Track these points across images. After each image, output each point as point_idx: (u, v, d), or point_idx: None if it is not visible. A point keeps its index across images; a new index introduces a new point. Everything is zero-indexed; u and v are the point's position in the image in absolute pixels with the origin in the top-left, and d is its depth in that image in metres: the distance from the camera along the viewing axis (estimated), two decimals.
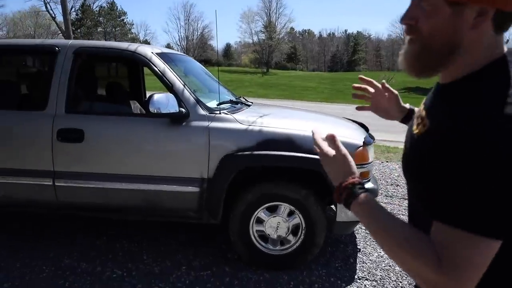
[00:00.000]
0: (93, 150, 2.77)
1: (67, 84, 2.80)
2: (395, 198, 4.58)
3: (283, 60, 63.06)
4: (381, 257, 3.10)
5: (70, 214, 3.02)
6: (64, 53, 2.84)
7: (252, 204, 2.72)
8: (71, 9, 45.43)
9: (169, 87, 2.75)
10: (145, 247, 3.20)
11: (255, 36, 55.23)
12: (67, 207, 2.91)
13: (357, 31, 73.63)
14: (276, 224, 2.75)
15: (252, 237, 2.80)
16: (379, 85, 1.19)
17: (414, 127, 0.79)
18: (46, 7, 44.26)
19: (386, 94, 1.19)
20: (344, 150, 0.87)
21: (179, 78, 2.83)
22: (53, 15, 43.84)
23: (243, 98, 3.65)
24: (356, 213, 0.81)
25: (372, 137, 2.99)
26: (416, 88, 35.48)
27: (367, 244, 3.30)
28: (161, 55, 2.96)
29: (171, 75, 2.81)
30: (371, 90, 1.20)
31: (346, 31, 76.99)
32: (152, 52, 2.90)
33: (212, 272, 2.83)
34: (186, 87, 2.79)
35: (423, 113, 0.78)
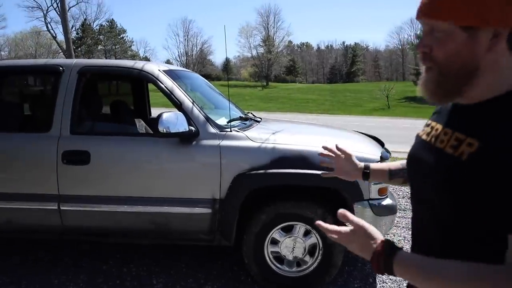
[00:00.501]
0: (100, 172, 2.66)
1: (71, 104, 2.71)
2: (408, 212, 4.45)
3: (282, 73, 63.42)
4: None
5: (76, 239, 2.90)
6: (68, 73, 2.76)
7: (267, 225, 2.61)
8: (72, 28, 45.99)
9: (178, 105, 2.67)
10: (154, 271, 3.07)
11: (254, 50, 55.69)
12: (73, 232, 2.79)
13: (355, 43, 74.12)
14: (292, 244, 2.63)
15: (267, 258, 2.68)
16: (338, 152, 1.25)
17: (449, 149, 0.78)
18: (47, 27, 44.79)
19: (343, 155, 1.25)
20: (359, 221, 0.83)
21: (187, 96, 2.74)
22: (54, 35, 44.39)
23: (252, 114, 3.56)
24: (402, 275, 0.77)
25: (388, 152, 2.89)
26: (415, 97, 35.58)
27: None
28: (168, 72, 2.88)
29: (179, 92, 2.72)
30: (334, 154, 1.27)
31: (344, 42, 77.59)
32: (159, 70, 2.82)
33: None
34: (195, 104, 2.71)
35: (454, 134, 0.79)
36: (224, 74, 65.39)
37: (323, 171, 1.32)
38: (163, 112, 2.51)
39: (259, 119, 3.38)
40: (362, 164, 1.25)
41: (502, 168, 0.67)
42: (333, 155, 1.27)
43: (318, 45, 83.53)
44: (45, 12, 43.92)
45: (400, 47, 64.80)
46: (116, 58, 50.13)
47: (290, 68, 65.28)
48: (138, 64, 2.83)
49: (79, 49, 45.80)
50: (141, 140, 2.73)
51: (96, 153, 2.64)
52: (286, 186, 2.62)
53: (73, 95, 2.72)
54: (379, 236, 0.82)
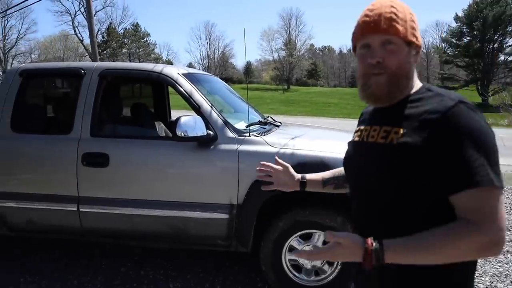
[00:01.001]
0: (118, 175, 2.67)
1: (92, 107, 2.74)
2: None
3: (303, 77, 63.03)
4: None
5: (94, 240, 2.92)
6: (89, 75, 2.79)
7: (285, 232, 2.55)
8: (98, 31, 47.23)
9: (196, 108, 2.65)
10: (171, 275, 3.05)
11: (275, 53, 55.59)
12: (92, 234, 2.81)
13: None
14: None
15: (285, 266, 2.62)
16: (277, 167, 1.34)
17: (381, 139, 0.98)
18: (75, 31, 46.16)
19: (281, 168, 1.34)
20: (343, 234, 0.91)
21: (206, 99, 2.72)
22: (81, 38, 45.70)
23: (271, 118, 3.51)
24: (391, 260, 0.87)
25: None
26: None
27: None
28: (187, 76, 2.87)
29: (198, 96, 2.71)
30: (272, 169, 1.35)
31: None
32: (178, 73, 2.81)
33: None
34: (213, 108, 2.68)
35: (381, 129, 0.99)
36: (245, 77, 65.59)
37: (263, 185, 1.39)
38: (181, 116, 2.49)
39: (278, 124, 3.33)
40: (299, 176, 1.35)
41: (423, 142, 0.89)
42: (271, 170, 1.34)
43: (340, 48, 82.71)
44: (73, 16, 45.33)
45: (425, 50, 63.41)
46: (139, 61, 51.11)
47: (311, 71, 64.85)
48: (158, 67, 2.83)
49: (104, 52, 46.92)
50: (159, 143, 2.72)
51: (114, 155, 2.64)
52: (304, 193, 2.55)
53: (93, 97, 2.74)
54: (359, 238, 0.90)
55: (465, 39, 37.92)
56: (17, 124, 2.86)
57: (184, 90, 2.70)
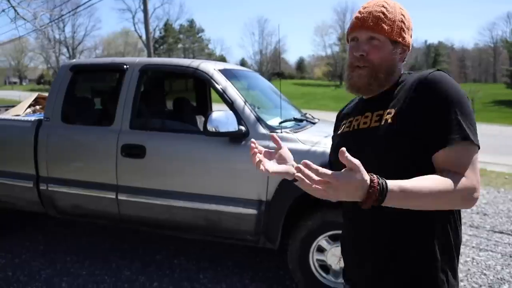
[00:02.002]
0: (153, 166, 2.78)
1: (132, 100, 2.86)
2: (482, 230, 3.99)
3: None
4: None
5: (131, 227, 3.07)
6: (131, 70, 2.92)
7: (313, 231, 2.51)
8: (155, 27, 49.24)
9: (230, 104, 2.67)
10: (202, 266, 3.14)
11: (328, 49, 54.59)
12: (128, 221, 2.96)
13: (439, 41, 68.82)
14: (339, 254, 2.49)
15: (312, 266, 2.58)
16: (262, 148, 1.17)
17: (375, 123, 1.03)
18: (135, 27, 48.60)
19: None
20: (354, 160, 0.79)
21: (240, 95, 2.74)
22: (140, 34, 47.98)
23: (309, 115, 3.46)
24: (393, 202, 0.84)
25: None
26: (509, 101, 31.98)
27: None
28: (223, 71, 2.91)
29: (232, 92, 2.73)
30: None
31: (426, 41, 72.36)
32: (214, 69, 2.85)
33: None
34: (247, 104, 2.69)
35: (373, 114, 1.05)
36: (297, 73, 65.00)
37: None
38: (213, 111, 2.53)
39: (316, 120, 3.27)
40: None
41: (413, 108, 0.97)
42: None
43: None
44: (133, 14, 47.69)
45: (492, 45, 58.78)
46: (193, 56, 52.60)
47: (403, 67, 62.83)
48: (194, 63, 2.89)
49: (161, 47, 48.88)
50: (193, 137, 2.78)
51: (150, 147, 2.75)
52: None
53: (134, 91, 2.87)
54: (364, 172, 0.80)
55: None
56: (66, 115, 3.07)
57: (219, 86, 2.74)
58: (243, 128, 2.59)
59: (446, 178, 0.89)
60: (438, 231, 1.00)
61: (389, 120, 1.00)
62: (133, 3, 72.19)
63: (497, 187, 5.79)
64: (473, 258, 3.33)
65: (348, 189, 0.79)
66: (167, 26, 51.44)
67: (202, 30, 57.21)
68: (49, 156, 3.05)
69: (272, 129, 2.65)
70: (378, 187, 0.81)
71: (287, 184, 2.47)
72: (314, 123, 3.17)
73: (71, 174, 3.03)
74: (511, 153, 9.24)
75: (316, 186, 0.78)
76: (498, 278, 2.98)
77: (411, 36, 1.09)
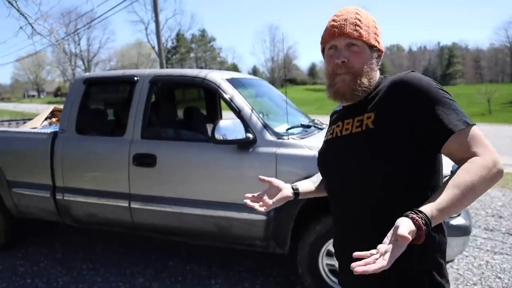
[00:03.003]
0: (164, 175, 2.85)
1: (143, 110, 2.95)
2: (497, 233, 3.93)
3: None
4: None
5: (145, 235, 3.14)
6: (141, 82, 3.02)
7: (322, 236, 2.53)
8: (168, 38, 50.00)
9: (237, 112, 2.73)
10: (214, 271, 3.18)
11: None
12: (141, 228, 3.03)
13: (452, 43, 67.91)
14: None
15: (322, 270, 2.60)
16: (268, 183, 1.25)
17: (356, 129, 1.06)
18: (147, 38, 49.45)
19: (272, 184, 1.25)
20: (392, 232, 0.83)
21: (247, 103, 2.80)
22: (153, 45, 48.82)
23: (318, 120, 3.49)
24: (438, 221, 0.87)
25: None
26: None
27: None
28: (231, 81, 2.98)
29: (239, 100, 2.79)
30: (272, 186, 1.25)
31: (439, 43, 71.54)
32: (221, 78, 2.92)
33: None
34: (254, 112, 2.75)
35: (354, 120, 1.08)
36: (310, 79, 64.92)
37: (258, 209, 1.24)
38: (221, 120, 2.59)
39: (323, 126, 3.30)
40: (289, 186, 1.26)
41: (394, 110, 1.00)
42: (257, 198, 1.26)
43: (409, 46, 78.55)
44: (146, 25, 48.62)
45: (508, 44, 57.72)
46: (206, 65, 53.14)
47: (379, 71, 62.48)
48: (202, 73, 2.97)
49: (174, 57, 49.58)
50: (202, 145, 2.85)
51: (161, 156, 2.83)
52: None
53: (144, 102, 2.96)
54: (406, 220, 0.83)
55: None
56: (80, 127, 3.18)
57: (226, 95, 2.81)
58: (250, 135, 2.64)
59: (466, 170, 0.90)
60: None
61: (370, 125, 1.03)
62: (145, 15, 73.49)
63: None
64: (487, 262, 3.29)
65: (404, 244, 0.80)
66: (179, 36, 52.22)
67: (214, 39, 57.89)
68: (64, 166, 3.16)
69: (279, 136, 2.70)
70: (423, 224, 0.82)
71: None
72: (321, 129, 3.21)
73: (85, 183, 3.13)
74: None
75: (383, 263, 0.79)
76: None
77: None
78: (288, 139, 2.67)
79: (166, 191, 2.86)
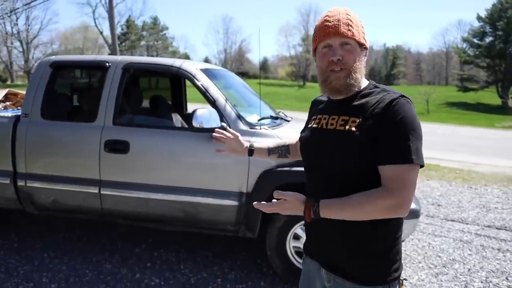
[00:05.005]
0: (137, 161, 2.88)
1: (115, 97, 2.94)
2: (436, 219, 4.39)
3: None
4: (422, 280, 2.98)
5: (113, 221, 3.14)
6: (114, 68, 3.00)
7: (289, 220, 2.72)
8: (117, 24, 47.77)
9: (212, 102, 2.83)
10: (182, 257, 3.26)
11: (292, 49, 55.48)
12: (111, 215, 3.03)
13: (396, 45, 71.86)
14: None
15: (289, 252, 2.79)
16: (229, 135, 1.57)
17: (340, 127, 1.19)
18: (95, 23, 46.98)
19: (232, 136, 1.57)
20: (290, 193, 1.17)
21: (221, 94, 2.90)
22: (101, 30, 46.46)
23: (283, 113, 3.67)
24: (325, 215, 1.14)
25: None
26: (459, 103, 34.09)
27: (406, 266, 3.19)
28: (205, 71, 3.05)
29: (214, 90, 2.89)
30: (226, 136, 1.58)
31: (384, 44, 75.39)
32: (196, 68, 2.99)
33: (247, 286, 2.84)
34: (228, 102, 2.86)
35: (339, 118, 1.20)
36: (261, 73, 65.43)
37: (216, 150, 1.68)
38: (198, 109, 2.68)
39: (289, 119, 3.49)
40: (247, 143, 1.59)
41: (374, 127, 1.12)
42: (224, 137, 1.57)
43: None
44: (93, 8, 46.10)
45: (445, 49, 62.28)
46: (157, 54, 51.61)
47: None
48: (177, 62, 3.02)
49: (123, 44, 47.56)
50: (176, 133, 2.91)
51: (135, 143, 2.85)
52: None
53: (117, 88, 2.95)
54: (302, 196, 1.18)
55: (487, 39, 37.13)
56: (46, 111, 3.09)
57: (201, 85, 2.89)
58: (225, 124, 2.75)
59: (367, 193, 1.10)
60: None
61: (353, 128, 1.15)
62: None
63: (449, 181, 6.31)
64: (429, 243, 3.69)
65: (290, 211, 1.18)
66: (129, 23, 50.12)
67: (166, 28, 56.26)
68: (28, 152, 3.05)
69: (251, 126, 2.83)
70: (310, 209, 1.15)
71: (266, 177, 2.68)
72: (288, 121, 3.39)
73: (52, 169, 3.05)
74: (461, 150, 10.00)
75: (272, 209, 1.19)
76: (450, 259, 3.34)
77: None
78: (261, 129, 2.81)
79: (138, 177, 2.89)
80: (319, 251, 1.31)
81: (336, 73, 1.18)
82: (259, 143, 1.62)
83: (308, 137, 1.32)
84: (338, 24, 1.17)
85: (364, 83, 1.24)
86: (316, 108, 1.38)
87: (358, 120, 1.15)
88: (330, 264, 1.26)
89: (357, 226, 1.16)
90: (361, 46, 1.20)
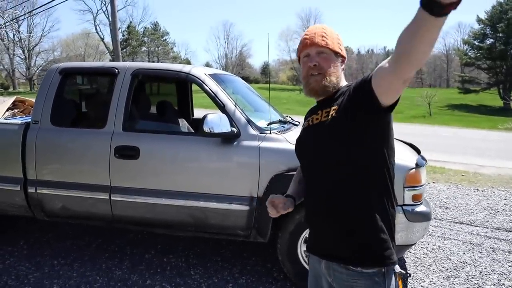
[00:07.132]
0: (148, 167, 2.88)
1: (124, 103, 2.95)
2: (445, 222, 4.38)
3: None
4: (434, 283, 2.97)
5: (123, 227, 3.14)
6: (123, 74, 3.01)
7: (301, 224, 2.71)
8: (118, 30, 48.05)
9: (221, 107, 2.84)
10: (192, 262, 3.26)
11: (293, 53, 55.57)
12: (121, 221, 3.03)
13: None
14: None
15: (300, 256, 2.78)
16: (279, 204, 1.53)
17: (324, 118, 1.33)
18: (96, 29, 47.23)
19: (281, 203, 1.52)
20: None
21: (230, 99, 2.91)
22: (102, 37, 46.73)
23: (290, 117, 3.68)
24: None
25: (424, 159, 2.90)
26: (460, 105, 34.07)
27: (417, 269, 3.17)
28: (213, 76, 3.06)
29: (223, 95, 2.89)
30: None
31: (385, 47, 75.58)
32: (205, 74, 3.00)
33: None
34: (237, 107, 2.86)
35: (322, 112, 1.35)
36: (262, 77, 65.64)
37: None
38: (208, 114, 2.69)
39: (297, 123, 3.49)
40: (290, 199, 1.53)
41: (346, 101, 1.26)
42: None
43: (358, 49, 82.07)
44: (94, 15, 46.39)
45: (445, 52, 62.35)
46: (158, 60, 51.80)
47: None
48: (186, 68, 3.03)
49: (124, 50, 47.73)
50: (187, 139, 2.92)
51: (145, 149, 2.86)
52: None
53: (126, 95, 2.96)
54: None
55: (487, 41, 37.20)
56: (56, 118, 3.10)
57: (210, 90, 2.90)
58: (234, 129, 2.75)
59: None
60: (374, 199, 1.26)
61: (334, 114, 1.30)
62: (94, 4, 70.09)
63: (456, 183, 6.29)
64: (439, 246, 3.67)
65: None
66: (130, 29, 50.36)
67: (167, 33, 56.48)
68: (38, 159, 3.06)
69: (261, 130, 2.84)
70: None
71: (276, 181, 2.68)
72: (296, 125, 3.39)
73: (62, 176, 3.06)
74: (466, 152, 9.97)
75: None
76: (461, 262, 3.33)
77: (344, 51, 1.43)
78: (270, 133, 2.82)
79: (149, 183, 2.89)
80: (317, 242, 1.39)
81: (315, 77, 1.36)
82: (289, 188, 1.58)
83: (301, 136, 1.47)
84: (314, 36, 1.37)
85: (343, 84, 1.40)
86: (307, 115, 1.53)
87: (336, 107, 1.30)
88: (327, 251, 1.34)
89: (351, 212, 1.26)
90: (336, 54, 1.38)
